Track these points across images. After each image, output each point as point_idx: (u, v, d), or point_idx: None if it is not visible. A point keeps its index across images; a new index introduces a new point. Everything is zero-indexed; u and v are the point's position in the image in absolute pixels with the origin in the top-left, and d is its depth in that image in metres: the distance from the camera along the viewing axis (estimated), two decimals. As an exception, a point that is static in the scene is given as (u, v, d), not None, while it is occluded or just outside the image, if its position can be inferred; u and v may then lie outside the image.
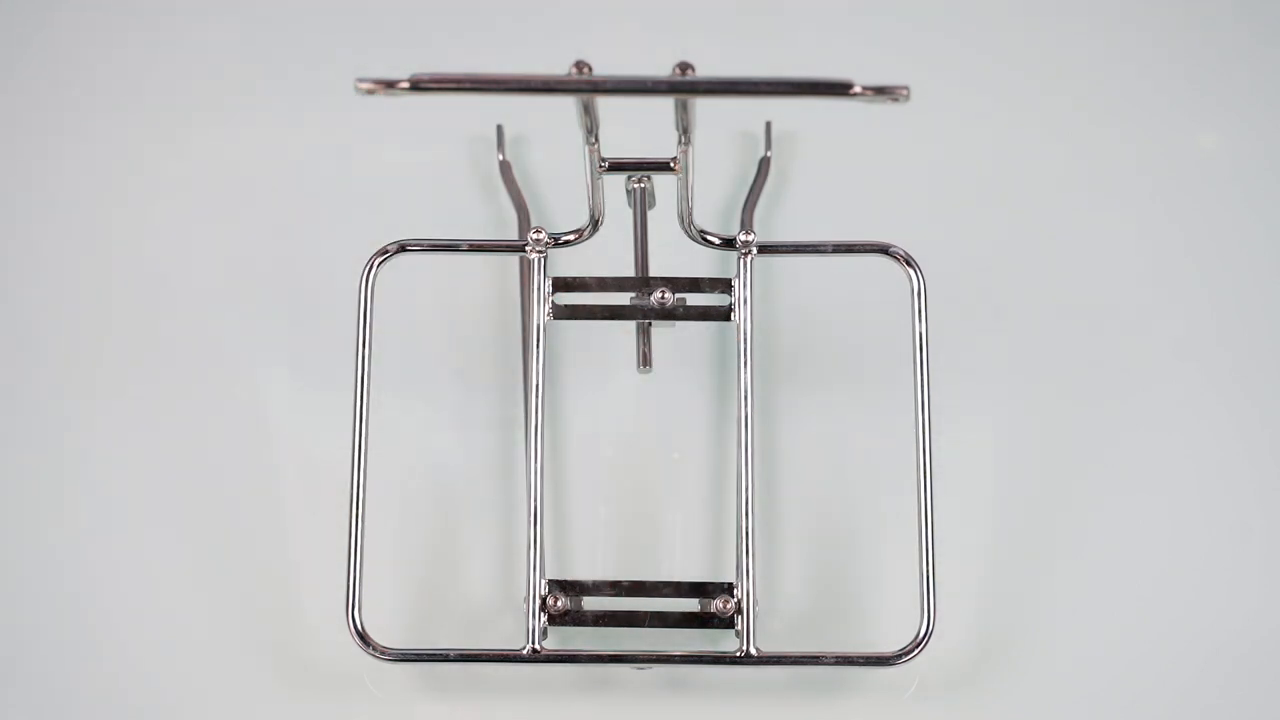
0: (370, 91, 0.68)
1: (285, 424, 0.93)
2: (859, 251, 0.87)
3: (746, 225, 0.94)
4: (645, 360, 0.91)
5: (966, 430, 0.92)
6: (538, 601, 0.84)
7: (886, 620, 0.88)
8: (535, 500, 0.85)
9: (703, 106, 0.77)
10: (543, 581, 0.85)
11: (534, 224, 0.89)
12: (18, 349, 0.96)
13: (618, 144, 0.83)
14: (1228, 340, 0.96)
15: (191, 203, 0.99)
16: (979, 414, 0.93)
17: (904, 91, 0.68)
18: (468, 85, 0.69)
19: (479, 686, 0.88)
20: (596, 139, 0.80)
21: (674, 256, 0.92)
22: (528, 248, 0.87)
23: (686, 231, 0.87)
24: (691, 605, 0.85)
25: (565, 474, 0.93)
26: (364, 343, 0.85)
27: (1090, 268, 0.98)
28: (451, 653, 0.84)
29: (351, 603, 0.83)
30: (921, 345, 0.85)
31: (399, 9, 1.06)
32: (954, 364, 0.93)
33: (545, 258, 0.87)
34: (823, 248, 0.88)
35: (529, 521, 0.85)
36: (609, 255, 0.91)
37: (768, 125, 1.00)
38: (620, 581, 0.86)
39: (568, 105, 0.77)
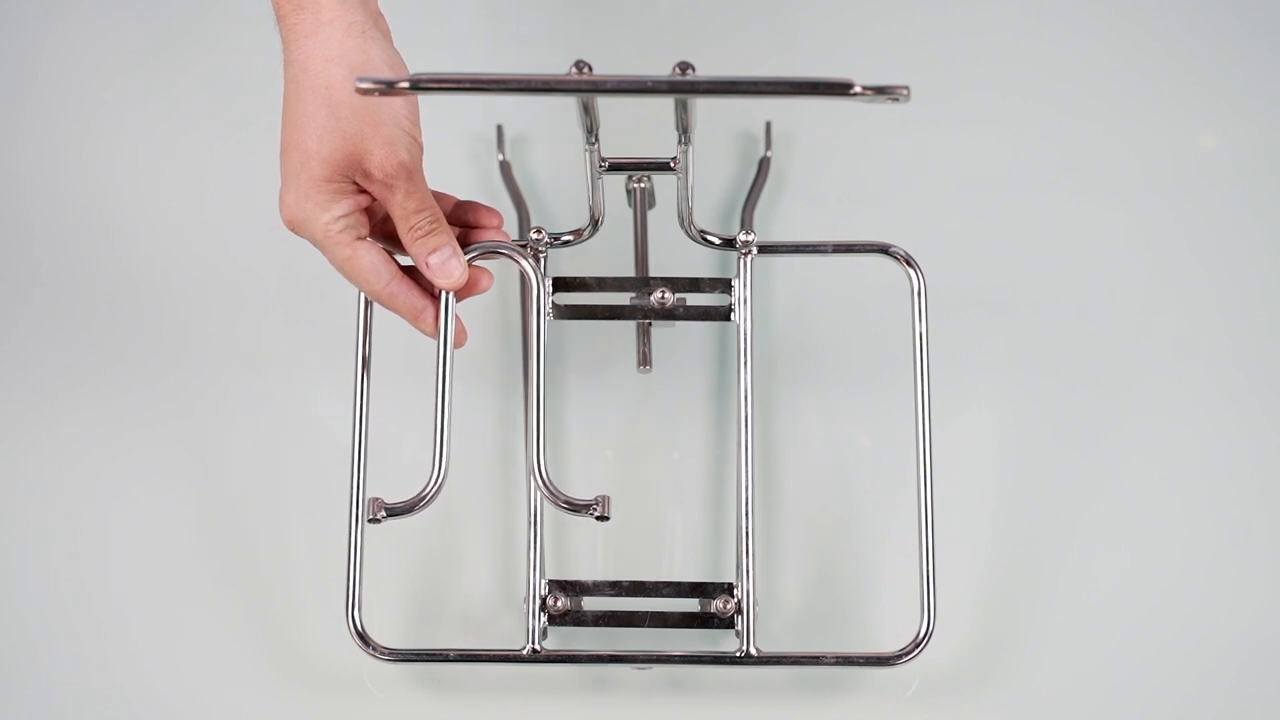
0: (370, 91, 0.68)
1: (285, 424, 0.93)
2: (859, 251, 0.87)
3: (746, 225, 0.94)
4: (645, 360, 0.91)
5: (966, 430, 0.92)
6: (538, 601, 0.84)
7: (886, 620, 0.88)
8: (535, 500, 0.85)
9: (703, 106, 0.77)
10: (543, 581, 0.85)
11: (534, 224, 0.89)
12: (17, 349, 0.96)
13: (618, 144, 0.83)
14: (1230, 340, 0.96)
15: (193, 204, 0.99)
16: (979, 414, 0.93)
17: (904, 91, 0.68)
18: (468, 85, 0.69)
19: (479, 686, 0.88)
20: (596, 139, 0.80)
21: (674, 256, 0.92)
22: (527, 248, 0.87)
23: (686, 231, 0.87)
24: (691, 605, 0.85)
25: (565, 474, 0.92)
26: (364, 343, 0.85)
27: (1090, 268, 0.98)
28: (451, 653, 0.84)
29: (351, 603, 0.83)
30: (921, 345, 0.85)
31: (399, 9, 1.06)
32: (954, 364, 0.92)
33: (545, 258, 0.87)
34: (823, 248, 0.88)
35: (529, 521, 0.85)
36: (609, 255, 0.91)
37: (768, 125, 1.00)
38: (620, 581, 0.86)
39: (568, 105, 0.77)
